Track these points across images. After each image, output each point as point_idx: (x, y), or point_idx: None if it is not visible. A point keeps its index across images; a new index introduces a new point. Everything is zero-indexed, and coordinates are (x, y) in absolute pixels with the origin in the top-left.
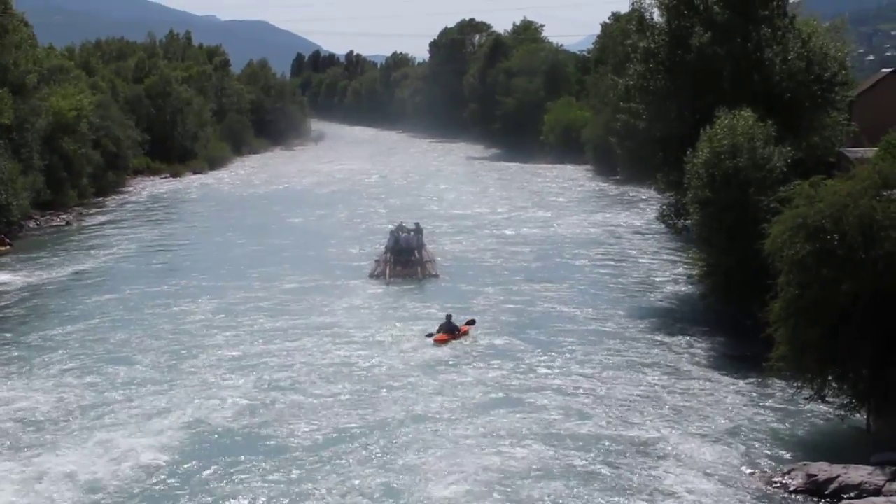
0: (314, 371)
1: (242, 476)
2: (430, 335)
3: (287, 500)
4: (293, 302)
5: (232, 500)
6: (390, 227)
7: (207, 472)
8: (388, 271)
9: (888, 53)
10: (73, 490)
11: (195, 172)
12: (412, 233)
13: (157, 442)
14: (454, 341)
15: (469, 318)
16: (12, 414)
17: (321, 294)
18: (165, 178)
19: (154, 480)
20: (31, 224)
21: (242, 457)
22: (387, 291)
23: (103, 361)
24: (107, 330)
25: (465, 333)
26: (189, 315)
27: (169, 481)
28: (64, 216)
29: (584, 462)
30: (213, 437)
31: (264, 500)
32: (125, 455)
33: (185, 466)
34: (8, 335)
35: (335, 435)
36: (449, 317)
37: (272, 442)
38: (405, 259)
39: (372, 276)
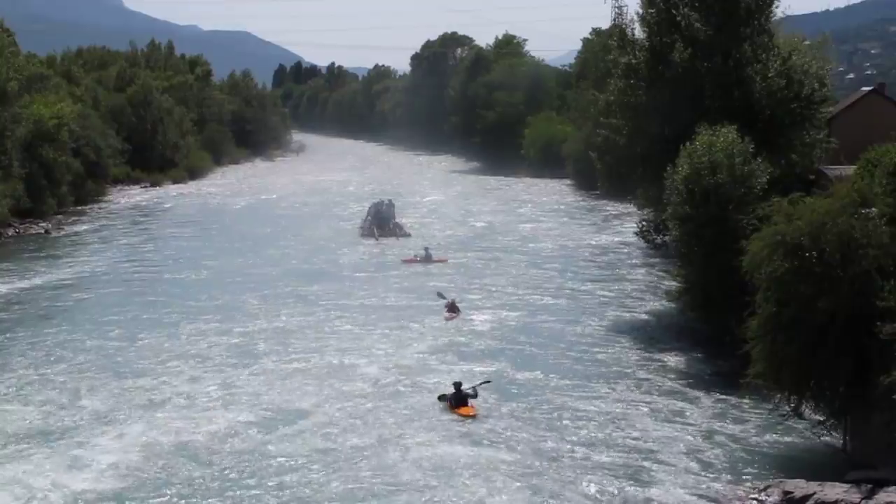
0: (359, 283)
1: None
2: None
3: None
4: (318, 255)
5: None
6: (371, 202)
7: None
8: (375, 232)
9: (868, 72)
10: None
11: (175, 182)
12: (387, 206)
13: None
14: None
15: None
16: None
17: (335, 249)
18: (145, 187)
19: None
20: (10, 232)
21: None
22: (379, 243)
23: (90, 370)
24: (88, 338)
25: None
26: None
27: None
28: (43, 224)
29: (554, 480)
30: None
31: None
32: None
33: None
34: None
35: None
36: (426, 248)
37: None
38: (384, 225)
39: (362, 236)
